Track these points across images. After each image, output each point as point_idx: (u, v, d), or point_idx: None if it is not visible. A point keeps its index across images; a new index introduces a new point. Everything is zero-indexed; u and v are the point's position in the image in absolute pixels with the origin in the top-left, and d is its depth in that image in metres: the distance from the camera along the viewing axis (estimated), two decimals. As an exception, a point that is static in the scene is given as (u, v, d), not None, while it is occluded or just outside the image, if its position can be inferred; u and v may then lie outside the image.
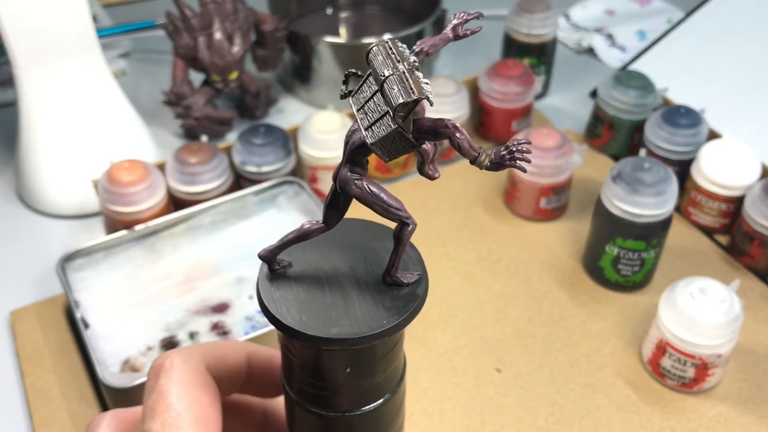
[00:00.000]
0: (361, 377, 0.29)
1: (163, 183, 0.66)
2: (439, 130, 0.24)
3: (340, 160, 0.27)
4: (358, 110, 0.25)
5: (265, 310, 0.27)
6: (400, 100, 0.24)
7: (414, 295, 0.28)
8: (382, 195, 0.26)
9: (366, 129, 0.25)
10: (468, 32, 0.27)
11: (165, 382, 0.29)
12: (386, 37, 0.26)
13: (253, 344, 0.33)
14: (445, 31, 0.27)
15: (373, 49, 0.25)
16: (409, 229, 0.27)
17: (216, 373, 0.31)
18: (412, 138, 0.25)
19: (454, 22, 0.27)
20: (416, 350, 0.58)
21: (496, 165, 0.25)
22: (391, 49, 0.25)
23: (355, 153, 0.26)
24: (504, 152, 0.25)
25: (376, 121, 0.25)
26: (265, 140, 0.68)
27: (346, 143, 0.26)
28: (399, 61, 0.24)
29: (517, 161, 0.24)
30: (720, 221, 0.67)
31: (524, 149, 0.24)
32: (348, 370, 0.28)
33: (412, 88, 0.24)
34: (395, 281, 0.28)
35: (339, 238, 0.29)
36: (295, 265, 0.29)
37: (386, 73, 0.24)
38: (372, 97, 0.25)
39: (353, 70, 0.27)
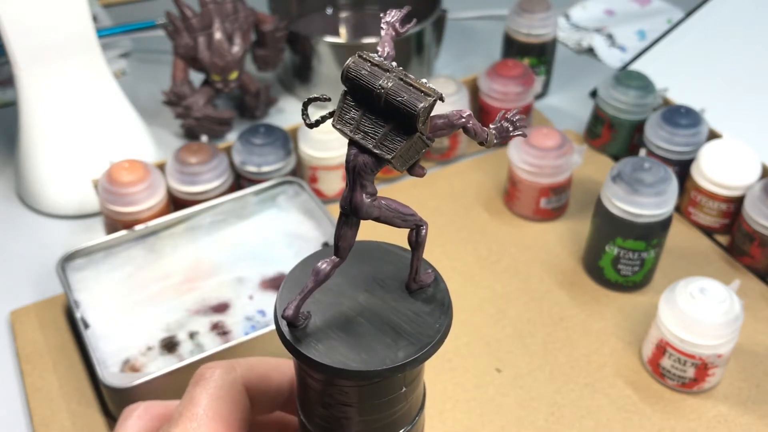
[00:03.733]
0: (412, 392, 0.28)
1: (163, 183, 0.66)
2: (455, 123, 0.25)
3: (341, 162, 0.26)
4: (353, 132, 0.25)
5: (325, 368, 0.26)
6: (421, 105, 0.23)
7: (439, 291, 0.28)
8: (398, 207, 0.26)
9: (376, 147, 0.24)
10: (407, 28, 0.26)
11: (199, 391, 0.30)
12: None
13: None
14: (388, 33, 0.26)
15: (351, 65, 0.24)
16: (425, 231, 0.27)
17: (255, 391, 0.32)
18: (427, 139, 0.25)
19: (389, 20, 0.26)
20: (416, 350, 0.58)
21: (503, 138, 0.26)
22: (368, 60, 0.24)
23: (367, 175, 0.25)
24: (507, 125, 0.26)
25: (385, 136, 0.24)
26: (265, 140, 0.68)
27: (352, 170, 0.25)
28: (386, 70, 0.24)
29: (519, 129, 0.26)
30: (720, 221, 0.67)
31: (521, 116, 0.26)
32: (403, 390, 0.28)
33: (422, 91, 0.24)
34: (421, 285, 0.28)
35: (354, 270, 0.28)
36: (313, 313, 0.27)
37: (384, 84, 0.24)
38: (364, 114, 0.24)
39: (313, 96, 0.26)
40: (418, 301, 0.28)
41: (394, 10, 0.27)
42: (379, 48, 0.25)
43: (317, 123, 0.26)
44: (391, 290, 0.28)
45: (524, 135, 0.26)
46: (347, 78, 0.24)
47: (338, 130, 0.25)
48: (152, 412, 0.34)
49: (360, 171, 0.25)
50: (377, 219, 0.26)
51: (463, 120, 0.25)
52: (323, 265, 0.26)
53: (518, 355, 0.58)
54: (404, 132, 0.24)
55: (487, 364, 0.58)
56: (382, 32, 0.26)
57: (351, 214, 0.25)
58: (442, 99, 0.24)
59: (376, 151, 0.24)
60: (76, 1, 0.65)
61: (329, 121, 0.26)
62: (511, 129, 0.26)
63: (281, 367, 0.33)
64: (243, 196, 0.66)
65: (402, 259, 0.29)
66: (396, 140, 0.24)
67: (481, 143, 0.25)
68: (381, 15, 0.26)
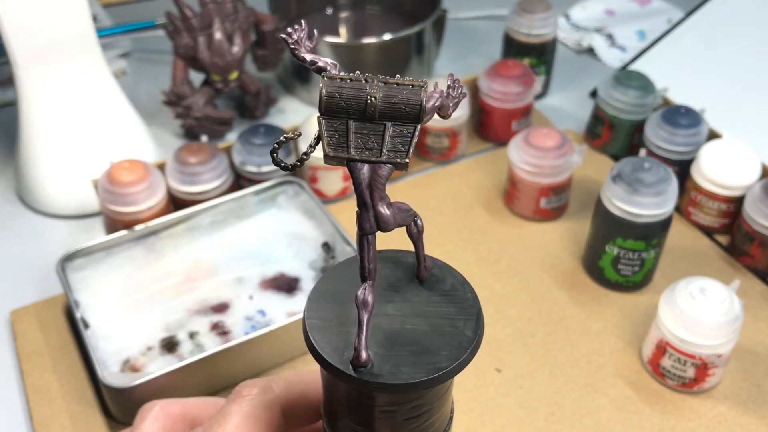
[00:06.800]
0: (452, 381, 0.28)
1: (163, 183, 0.66)
2: (437, 104, 0.25)
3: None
4: (354, 153, 0.24)
5: (425, 383, 0.25)
6: (422, 96, 0.24)
7: (441, 268, 0.28)
8: (402, 206, 0.26)
9: (388, 156, 0.24)
10: (315, 40, 0.26)
11: (234, 408, 0.30)
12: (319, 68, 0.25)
13: None
14: (304, 49, 0.26)
15: (331, 90, 0.24)
16: (420, 220, 0.27)
17: (293, 408, 0.31)
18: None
19: (295, 38, 0.26)
20: (416, 350, 0.58)
21: (455, 106, 0.26)
22: (336, 78, 0.24)
23: (383, 186, 0.25)
24: (452, 92, 0.26)
25: (389, 141, 0.24)
26: (265, 140, 0.68)
27: (367, 188, 0.24)
28: (362, 80, 0.24)
29: (463, 92, 0.27)
30: (720, 221, 0.67)
31: (456, 79, 0.27)
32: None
33: (409, 84, 0.24)
34: (429, 269, 0.28)
35: (342, 294, 0.27)
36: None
37: (374, 93, 0.24)
38: (355, 131, 0.24)
39: (281, 139, 0.25)
40: (434, 286, 0.28)
41: (294, 29, 0.26)
42: (320, 63, 0.25)
43: (301, 161, 0.25)
44: (406, 289, 0.28)
45: (465, 95, 0.27)
46: (333, 103, 0.24)
47: (334, 158, 0.24)
48: (169, 412, 0.33)
49: (377, 185, 0.24)
50: (398, 226, 0.26)
51: (441, 99, 0.25)
52: (367, 295, 0.25)
53: (518, 355, 0.58)
54: (405, 129, 0.24)
55: (487, 364, 0.58)
56: (299, 53, 0.25)
57: (375, 232, 0.25)
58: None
59: (389, 159, 0.24)
60: (76, 1, 0.65)
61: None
62: (457, 94, 0.26)
63: (319, 384, 0.32)
64: (243, 196, 0.66)
65: (387, 258, 0.29)
66: (402, 141, 0.24)
67: (443, 116, 0.26)
68: (283, 37, 0.26)
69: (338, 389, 0.27)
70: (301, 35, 0.26)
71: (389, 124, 0.24)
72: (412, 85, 0.24)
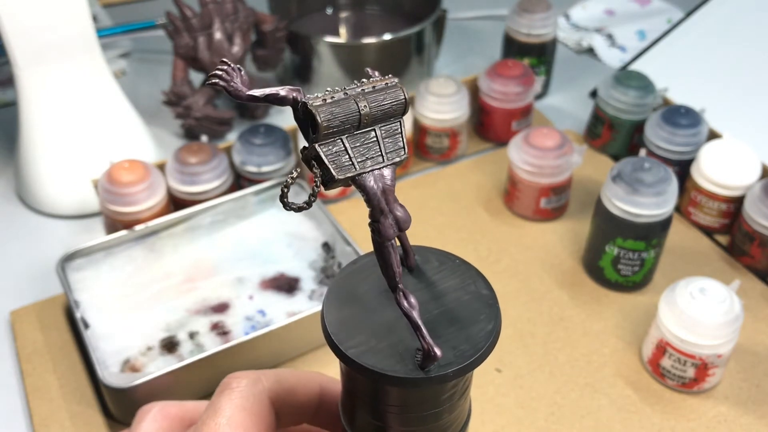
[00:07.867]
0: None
1: (163, 183, 0.66)
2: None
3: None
4: (359, 168, 0.24)
5: (490, 345, 0.25)
6: (403, 94, 0.24)
7: (421, 250, 0.29)
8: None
9: (390, 158, 0.24)
10: (245, 77, 0.24)
11: (224, 401, 0.30)
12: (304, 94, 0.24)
13: (329, 377, 0.33)
14: (244, 86, 0.24)
15: (325, 114, 0.23)
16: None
17: (282, 403, 0.31)
18: None
19: (231, 76, 0.24)
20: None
21: None
22: (319, 100, 0.24)
23: (393, 188, 0.25)
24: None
25: (383, 143, 0.24)
26: (265, 140, 0.68)
27: (382, 193, 0.24)
28: (344, 96, 0.24)
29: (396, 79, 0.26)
30: (720, 221, 0.67)
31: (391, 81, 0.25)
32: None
33: (385, 84, 0.24)
34: (415, 258, 0.29)
35: (358, 311, 0.27)
36: (408, 338, 0.26)
37: (362, 104, 0.24)
38: (351, 146, 0.24)
39: (289, 179, 0.24)
40: (425, 268, 0.28)
41: (222, 70, 0.24)
42: (282, 93, 0.24)
43: (315, 196, 0.24)
44: (406, 282, 0.28)
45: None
46: (331, 126, 0.24)
47: (342, 180, 0.24)
48: (167, 413, 0.33)
49: (389, 189, 0.24)
50: None
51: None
52: (410, 298, 0.25)
53: (518, 355, 0.58)
54: (392, 128, 0.25)
55: (487, 364, 0.57)
56: (242, 93, 0.24)
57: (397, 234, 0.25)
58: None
59: (393, 160, 0.24)
60: (76, 1, 0.65)
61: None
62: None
63: (309, 382, 0.32)
64: (243, 196, 0.66)
65: (367, 263, 0.29)
66: (393, 139, 0.24)
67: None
68: (214, 81, 0.24)
69: (398, 399, 0.27)
70: (233, 74, 0.24)
71: (377, 128, 0.24)
72: (387, 84, 0.24)
